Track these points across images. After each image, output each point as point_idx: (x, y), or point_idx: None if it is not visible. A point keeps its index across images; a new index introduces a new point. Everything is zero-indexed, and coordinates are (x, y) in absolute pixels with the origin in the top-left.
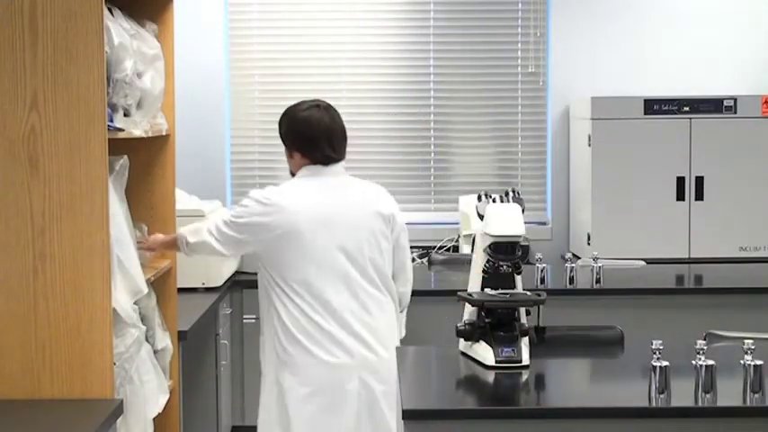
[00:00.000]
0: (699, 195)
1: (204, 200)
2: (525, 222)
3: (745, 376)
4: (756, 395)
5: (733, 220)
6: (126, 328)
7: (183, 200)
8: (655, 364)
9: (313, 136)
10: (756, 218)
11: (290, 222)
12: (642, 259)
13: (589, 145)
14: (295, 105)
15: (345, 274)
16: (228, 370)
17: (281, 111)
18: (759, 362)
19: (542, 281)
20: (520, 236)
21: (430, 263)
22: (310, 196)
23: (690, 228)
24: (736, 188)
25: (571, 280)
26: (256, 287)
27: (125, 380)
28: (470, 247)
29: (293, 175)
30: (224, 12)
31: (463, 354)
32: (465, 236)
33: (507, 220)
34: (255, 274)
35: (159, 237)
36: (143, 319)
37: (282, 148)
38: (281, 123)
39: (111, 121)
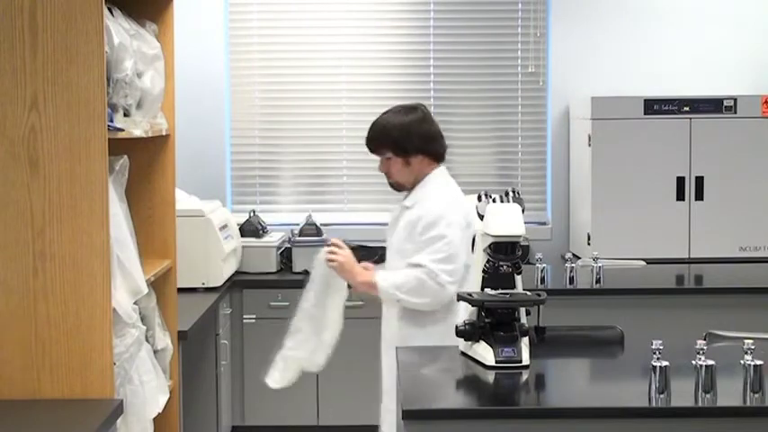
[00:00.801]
0: (699, 195)
1: (204, 200)
2: (525, 222)
3: (745, 376)
4: (756, 395)
5: (733, 220)
6: (126, 328)
7: (183, 200)
8: (655, 364)
9: (433, 133)
10: (756, 218)
11: (471, 223)
12: (642, 259)
13: (589, 145)
14: (393, 113)
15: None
16: (228, 370)
17: (281, 111)
18: (759, 362)
19: (542, 281)
20: (520, 236)
21: None
22: (459, 195)
23: (690, 228)
24: (736, 188)
25: (571, 280)
26: (256, 287)
27: (125, 380)
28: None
29: (396, 186)
30: (224, 12)
31: (463, 354)
32: None
33: (507, 220)
34: (256, 273)
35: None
36: (143, 319)
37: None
38: (387, 133)
39: (111, 121)
